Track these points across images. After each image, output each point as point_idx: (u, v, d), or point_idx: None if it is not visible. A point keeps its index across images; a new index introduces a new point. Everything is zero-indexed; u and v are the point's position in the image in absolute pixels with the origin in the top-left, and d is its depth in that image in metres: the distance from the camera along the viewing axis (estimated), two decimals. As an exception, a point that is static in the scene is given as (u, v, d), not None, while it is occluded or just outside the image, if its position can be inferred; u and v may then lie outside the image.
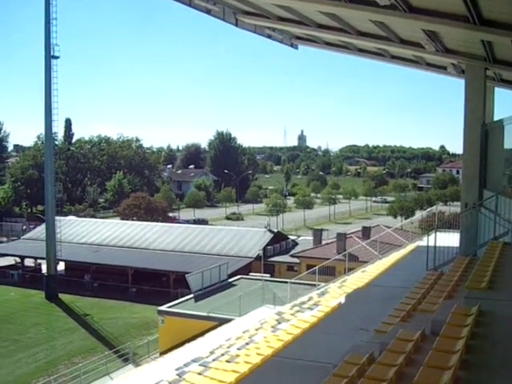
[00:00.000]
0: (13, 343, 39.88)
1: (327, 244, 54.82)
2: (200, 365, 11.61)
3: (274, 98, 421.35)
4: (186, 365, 12.12)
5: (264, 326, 17.03)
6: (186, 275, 37.46)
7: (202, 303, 34.33)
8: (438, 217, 48.08)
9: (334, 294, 21.25)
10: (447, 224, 25.60)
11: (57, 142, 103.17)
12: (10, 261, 61.41)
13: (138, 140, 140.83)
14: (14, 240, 74.38)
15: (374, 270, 23.85)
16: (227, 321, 28.38)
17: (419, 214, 67.65)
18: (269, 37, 23.36)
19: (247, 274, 42.51)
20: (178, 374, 11.15)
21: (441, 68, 22.84)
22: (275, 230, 60.98)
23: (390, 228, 50.59)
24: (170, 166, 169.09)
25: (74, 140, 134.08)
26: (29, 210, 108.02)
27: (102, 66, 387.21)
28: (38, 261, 60.12)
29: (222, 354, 12.41)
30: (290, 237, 62.71)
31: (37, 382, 32.42)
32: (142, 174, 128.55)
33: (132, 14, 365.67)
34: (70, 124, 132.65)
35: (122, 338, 40.03)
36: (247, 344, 13.59)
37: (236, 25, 21.48)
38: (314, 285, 30.14)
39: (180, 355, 13.77)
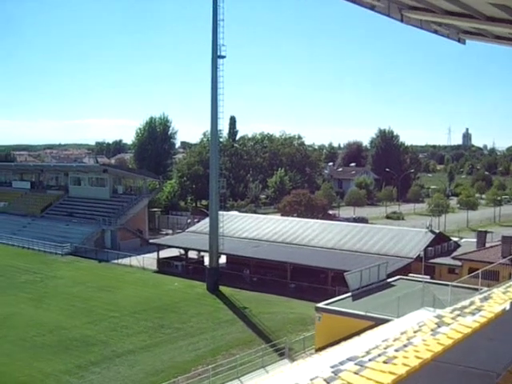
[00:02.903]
0: (175, 331, 41.51)
1: (491, 247, 52.40)
2: (356, 364, 11.37)
3: (438, 96, 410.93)
4: (341, 363, 11.92)
5: (423, 328, 16.50)
6: (345, 273, 37.18)
7: (360, 302, 33.94)
8: None
9: (497, 299, 20.19)
10: None
11: (222, 139, 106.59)
12: (174, 252, 64.04)
13: (299, 137, 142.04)
14: (178, 232, 77.44)
15: (544, 276, 22.47)
16: (384, 321, 27.84)
17: None
18: (435, 32, 22.60)
19: (406, 275, 41.52)
20: (333, 372, 10.99)
21: None
22: (437, 231, 59.16)
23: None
24: (331, 163, 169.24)
25: (237, 137, 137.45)
26: (193, 205, 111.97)
27: (266, 66, 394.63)
28: (201, 253, 62.21)
29: (379, 355, 12.10)
30: (452, 238, 60.66)
31: (196, 369, 33.46)
32: (303, 172, 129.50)
33: (295, 16, 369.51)
34: (235, 122, 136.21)
35: (278, 332, 40.47)
36: (405, 346, 13.18)
37: (401, 20, 20.94)
38: (476, 289, 28.89)
39: (336, 353, 13.64)
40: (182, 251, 63.60)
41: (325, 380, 10.38)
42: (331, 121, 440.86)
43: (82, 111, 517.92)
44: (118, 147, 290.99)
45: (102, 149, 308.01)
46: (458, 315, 18.08)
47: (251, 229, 63.95)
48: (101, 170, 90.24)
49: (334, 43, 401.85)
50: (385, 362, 11.32)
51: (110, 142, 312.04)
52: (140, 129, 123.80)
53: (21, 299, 50.61)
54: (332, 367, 11.38)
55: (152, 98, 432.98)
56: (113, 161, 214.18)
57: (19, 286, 55.24)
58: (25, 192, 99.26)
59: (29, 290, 53.76)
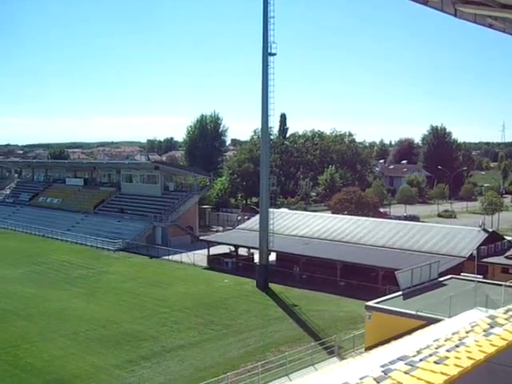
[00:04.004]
0: (225, 327, 41.68)
1: (547, 247, 51.36)
2: (406, 364, 11.24)
3: (491, 92, 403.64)
4: (391, 362, 11.80)
5: (475, 329, 16.23)
6: (396, 272, 36.79)
7: (411, 301, 33.52)
8: None
9: (554, 300, 19.79)
10: None
11: (272, 137, 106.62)
12: (225, 249, 64.30)
13: (350, 134, 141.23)
14: (229, 229, 77.74)
15: None
16: (436, 321, 27.46)
17: None
18: (490, 26, 22.16)
19: (458, 274, 40.86)
20: (383, 371, 10.88)
21: None
22: (490, 230, 58.07)
23: None
24: (382, 160, 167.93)
25: (288, 134, 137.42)
26: (244, 202, 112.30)
27: (317, 63, 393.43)
28: (251, 250, 62.35)
29: (430, 355, 11.94)
30: (505, 237, 59.47)
31: (245, 365, 33.48)
32: (353, 169, 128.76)
33: (346, 13, 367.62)
34: (285, 119, 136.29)
35: (328, 330, 40.28)
36: (457, 346, 12.97)
37: (455, 15, 20.60)
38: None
39: (386, 352, 13.51)
40: (232, 248, 63.83)
41: (375, 379, 10.29)
42: (382, 118, 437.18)
43: (134, 109, 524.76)
44: (169, 145, 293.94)
45: (154, 146, 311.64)
46: (512, 316, 17.73)
47: (301, 226, 63.76)
48: (152, 167, 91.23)
49: (384, 40, 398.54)
50: (436, 363, 11.15)
51: (162, 139, 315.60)
52: (191, 126, 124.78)
53: (74, 294, 51.54)
54: (382, 366, 11.27)
55: (203, 96, 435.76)
56: (164, 158, 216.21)
57: (72, 281, 56.27)
58: (78, 189, 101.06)
59: (82, 285, 54.69)
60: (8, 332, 40.75)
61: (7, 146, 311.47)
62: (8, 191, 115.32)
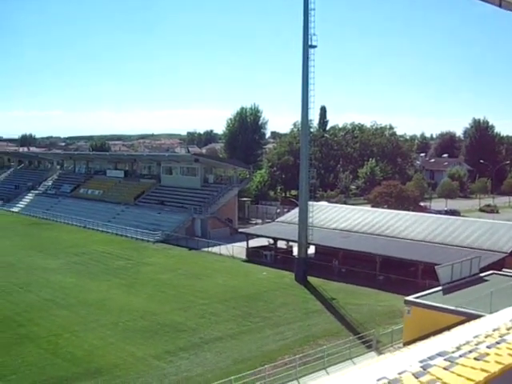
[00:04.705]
0: (262, 320, 41.71)
1: None
2: (446, 359, 11.07)
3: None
4: (430, 358, 11.62)
5: (517, 325, 15.96)
6: (436, 267, 36.39)
7: (450, 296, 33.15)
8: None
9: None
10: None
11: (312, 130, 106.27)
12: (263, 242, 64.35)
13: (391, 128, 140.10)
14: (268, 222, 77.85)
15: None
16: (476, 317, 27.07)
17: None
18: (537, 17, 21.78)
19: (500, 270, 40.25)
20: (422, 367, 10.73)
21: None
22: (534, 225, 57.08)
23: None
24: (422, 154, 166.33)
25: (328, 127, 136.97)
26: (283, 194, 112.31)
27: (357, 55, 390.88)
28: (290, 243, 62.31)
29: (470, 351, 11.74)
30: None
31: (282, 359, 33.47)
32: (394, 162, 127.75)
33: (387, 6, 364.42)
34: (325, 111, 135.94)
35: (366, 324, 40.06)
36: (498, 343, 12.76)
37: (500, 5, 20.26)
38: None
39: (425, 347, 13.32)
40: (271, 241, 63.86)
41: (413, 374, 10.15)
42: (423, 111, 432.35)
43: (174, 102, 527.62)
44: (209, 137, 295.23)
45: (194, 139, 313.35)
46: (555, 313, 17.40)
47: (341, 219, 63.47)
48: (192, 159, 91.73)
49: (425, 32, 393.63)
50: (476, 359, 10.96)
51: (202, 132, 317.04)
52: (231, 119, 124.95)
53: (114, 285, 52.08)
54: (421, 362, 11.11)
55: (243, 88, 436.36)
56: (204, 150, 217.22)
57: (113, 272, 56.87)
58: (119, 180, 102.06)
59: (121, 276, 55.24)
60: (49, 321, 41.34)
61: (49, 138, 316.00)
62: (50, 183, 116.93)
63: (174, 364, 33.51)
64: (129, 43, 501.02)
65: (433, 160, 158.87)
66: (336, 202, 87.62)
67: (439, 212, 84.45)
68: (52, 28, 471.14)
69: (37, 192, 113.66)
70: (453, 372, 10.06)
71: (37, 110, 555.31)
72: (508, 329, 15.81)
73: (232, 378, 28.80)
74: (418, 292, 34.78)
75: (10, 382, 31.15)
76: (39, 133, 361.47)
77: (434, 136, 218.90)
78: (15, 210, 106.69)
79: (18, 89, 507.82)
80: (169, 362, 33.93)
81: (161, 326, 40.12)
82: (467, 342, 13.98)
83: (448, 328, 24.99)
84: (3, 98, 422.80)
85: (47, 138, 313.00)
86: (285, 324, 40.62)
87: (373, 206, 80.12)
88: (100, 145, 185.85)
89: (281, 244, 63.56)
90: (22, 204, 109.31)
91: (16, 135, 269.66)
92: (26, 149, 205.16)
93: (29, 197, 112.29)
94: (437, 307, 31.39)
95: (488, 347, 12.39)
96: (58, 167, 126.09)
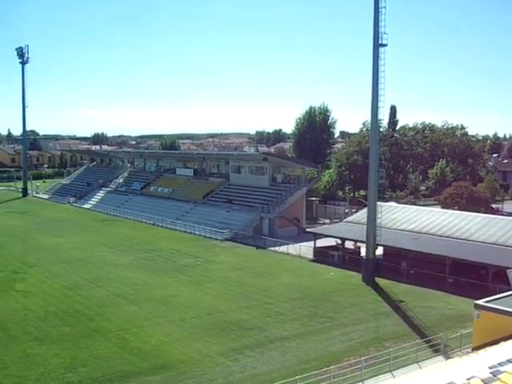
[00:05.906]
0: (329, 320, 41.50)
1: None
2: (516, 366, 10.79)
3: None
4: (500, 364, 11.34)
5: None
6: (508, 270, 35.54)
7: (522, 301, 32.27)
8: None
9: None
10: None
11: (381, 129, 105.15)
12: (331, 242, 63.98)
13: (462, 127, 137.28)
14: (336, 222, 77.38)
15: None
16: (550, 323, 26.34)
17: None
18: None
19: None
20: (491, 373, 10.48)
21: None
22: None
23: None
24: (495, 155, 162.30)
25: (398, 127, 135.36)
26: (351, 195, 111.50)
27: (429, 54, 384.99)
28: (358, 244, 61.79)
29: (542, 358, 11.42)
30: None
31: (348, 360, 33.23)
32: (465, 163, 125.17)
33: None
34: (395, 111, 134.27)
35: (434, 328, 39.35)
36: None
37: None
38: None
39: (494, 353, 13.01)
40: (339, 241, 63.44)
41: (482, 380, 9.93)
42: (496, 110, 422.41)
43: (242, 100, 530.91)
44: (277, 136, 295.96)
45: (262, 138, 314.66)
46: None
47: (410, 220, 62.57)
48: (261, 158, 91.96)
49: (500, 30, 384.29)
50: (548, 367, 10.64)
51: (270, 131, 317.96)
52: (300, 118, 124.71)
53: (181, 281, 52.71)
54: (490, 368, 10.86)
55: (312, 87, 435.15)
56: (272, 149, 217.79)
57: (180, 269, 57.54)
58: (188, 179, 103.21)
59: (189, 273, 55.83)
60: (118, 316, 42.19)
61: (121, 136, 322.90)
62: (121, 180, 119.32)
63: (240, 362, 33.68)
64: (202, 43, 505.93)
65: (506, 161, 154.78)
66: (405, 203, 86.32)
67: (511, 214, 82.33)
68: (121, 29, 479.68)
69: (108, 189, 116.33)
70: (524, 379, 9.80)
71: (109, 109, 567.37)
72: None
73: (297, 377, 28.71)
74: (488, 296, 33.96)
75: (80, 374, 31.92)
76: (111, 131, 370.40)
77: (508, 136, 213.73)
78: (87, 206, 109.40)
79: (91, 89, 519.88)
80: (234, 359, 34.11)
81: (227, 324, 40.39)
82: (540, 349, 13.60)
83: (519, 334, 24.33)
84: (77, 99, 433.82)
85: (118, 136, 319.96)
86: (351, 325, 40.33)
87: (443, 208, 78.71)
88: (170, 143, 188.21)
89: (348, 244, 63.06)
90: (93, 201, 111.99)
91: (89, 134, 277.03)
92: (98, 147, 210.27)
93: (100, 194, 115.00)
94: (508, 312, 30.58)
95: (561, 355, 12.02)
96: (129, 165, 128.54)
